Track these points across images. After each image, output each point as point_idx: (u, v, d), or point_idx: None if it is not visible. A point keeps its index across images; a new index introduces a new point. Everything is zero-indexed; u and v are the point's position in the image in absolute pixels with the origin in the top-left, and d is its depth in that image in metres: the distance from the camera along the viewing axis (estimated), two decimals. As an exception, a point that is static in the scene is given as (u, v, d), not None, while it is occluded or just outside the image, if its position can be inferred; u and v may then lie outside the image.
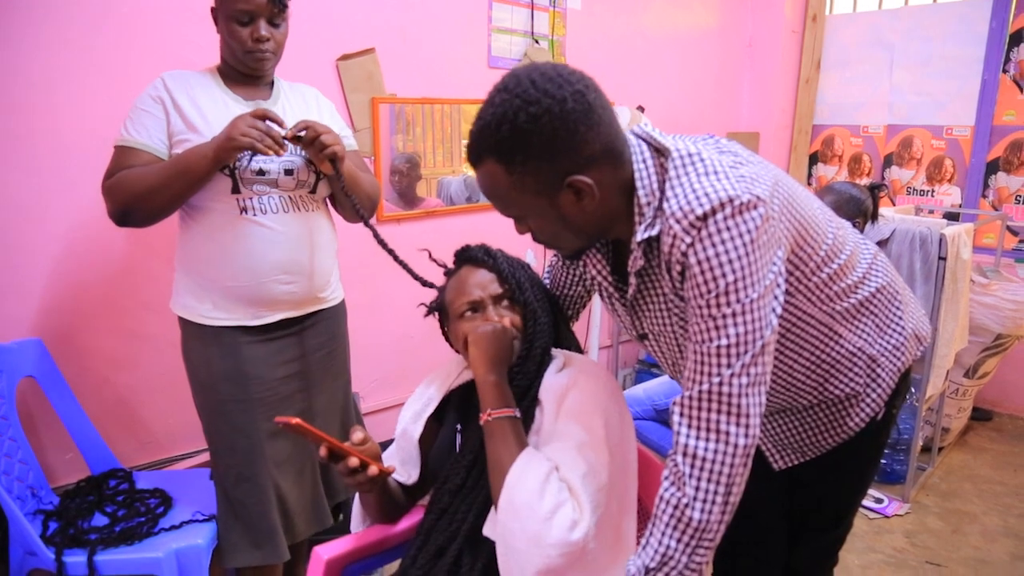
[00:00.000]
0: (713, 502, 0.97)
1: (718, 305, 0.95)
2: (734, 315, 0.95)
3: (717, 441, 0.96)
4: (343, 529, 1.44)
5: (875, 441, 1.33)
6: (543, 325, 1.22)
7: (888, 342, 1.24)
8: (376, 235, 1.62)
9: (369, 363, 2.62)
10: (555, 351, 1.26)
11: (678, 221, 0.95)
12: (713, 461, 0.96)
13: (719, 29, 3.79)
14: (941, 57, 3.49)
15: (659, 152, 1.03)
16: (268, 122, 1.49)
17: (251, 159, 1.54)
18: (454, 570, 1.14)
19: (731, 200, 0.93)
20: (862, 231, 2.36)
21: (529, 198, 1.00)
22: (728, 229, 0.93)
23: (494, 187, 1.01)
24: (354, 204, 1.63)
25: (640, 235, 1.02)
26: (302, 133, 1.52)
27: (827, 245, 1.12)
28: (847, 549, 2.24)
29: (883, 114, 3.74)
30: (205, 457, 1.81)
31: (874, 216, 2.39)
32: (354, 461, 1.11)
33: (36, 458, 1.86)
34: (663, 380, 2.67)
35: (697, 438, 0.97)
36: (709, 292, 0.95)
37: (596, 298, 2.18)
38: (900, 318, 1.25)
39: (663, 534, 0.99)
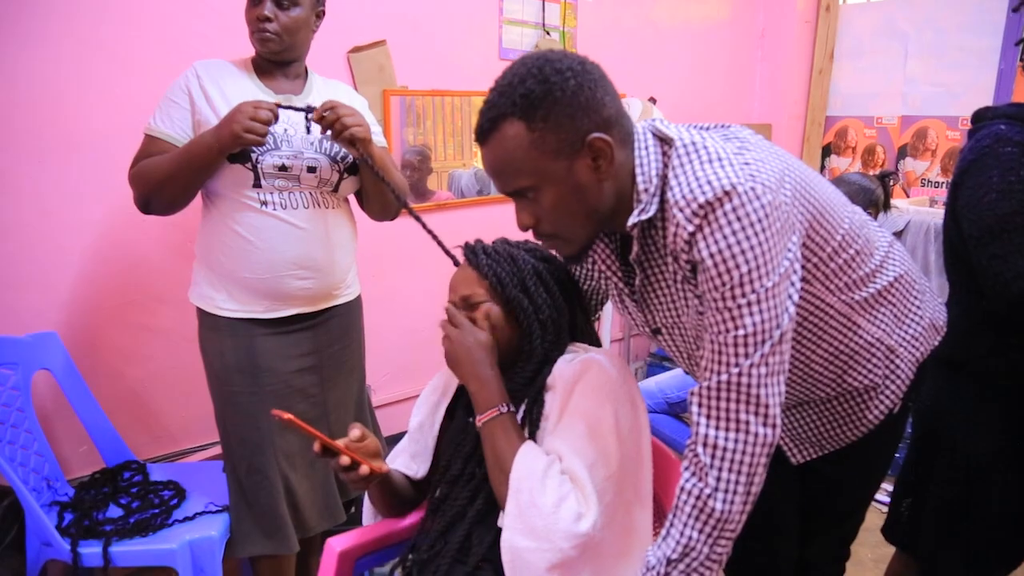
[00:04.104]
0: (735, 492, 0.96)
1: (733, 296, 0.94)
2: (750, 304, 0.94)
3: (737, 431, 0.96)
4: (356, 522, 1.44)
5: (891, 434, 1.32)
6: (537, 320, 1.19)
7: (906, 332, 1.22)
8: (418, 219, 1.59)
9: (381, 356, 2.62)
10: (573, 345, 1.25)
11: (681, 209, 0.94)
12: (734, 451, 0.96)
13: (731, 19, 3.75)
14: (956, 47, 3.44)
15: (663, 141, 1.03)
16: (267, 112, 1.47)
17: (270, 155, 1.55)
18: (465, 547, 1.15)
19: (735, 187, 0.91)
20: (875, 221, 2.34)
21: (548, 161, 0.97)
22: (739, 219, 0.92)
23: (511, 151, 0.97)
24: (388, 185, 1.60)
25: (633, 218, 1.01)
26: (326, 113, 1.50)
27: (843, 230, 1.10)
28: (860, 543, 2.22)
29: (897, 105, 3.69)
30: (218, 450, 1.82)
31: (886, 206, 2.37)
32: (345, 460, 1.10)
33: (51, 450, 1.88)
34: (675, 373, 2.67)
35: (717, 428, 0.97)
36: (724, 284, 0.94)
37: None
38: (918, 307, 1.24)
39: (685, 525, 0.98)
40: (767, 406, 0.96)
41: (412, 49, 2.56)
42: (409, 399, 2.76)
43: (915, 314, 1.24)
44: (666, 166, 1.00)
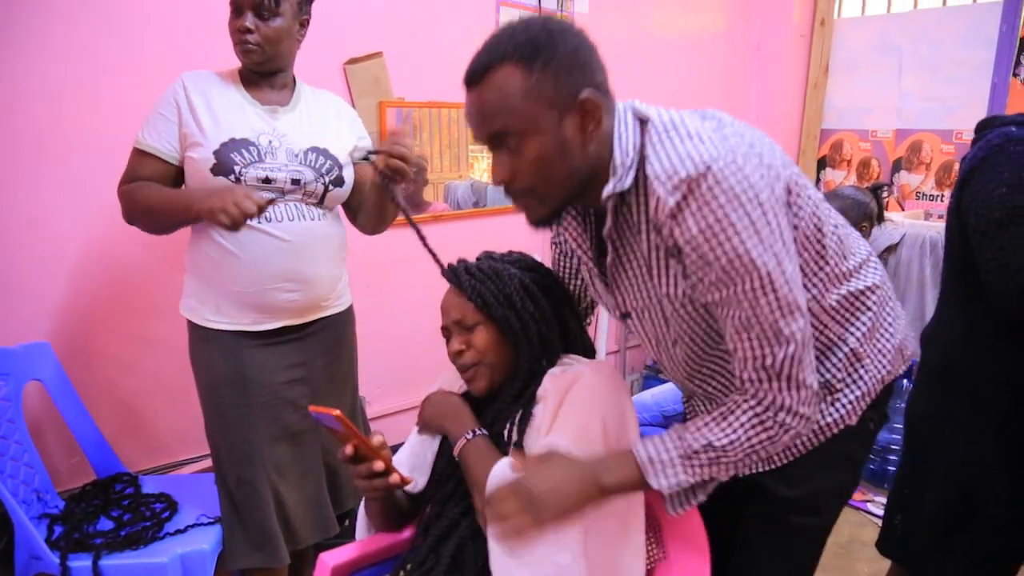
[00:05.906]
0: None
1: (744, 282, 0.94)
2: (763, 285, 0.95)
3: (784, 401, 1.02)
4: (350, 536, 1.43)
5: (847, 464, 1.24)
6: (524, 336, 1.19)
7: (874, 345, 1.18)
8: (418, 230, 1.58)
9: (375, 368, 2.61)
10: (566, 356, 1.24)
11: (662, 183, 0.94)
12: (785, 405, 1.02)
13: (727, 33, 3.77)
14: (950, 61, 3.46)
15: (641, 121, 1.02)
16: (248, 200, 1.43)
17: (253, 167, 1.55)
18: (458, 562, 1.14)
19: (716, 161, 0.92)
20: (869, 234, 2.35)
21: (540, 109, 0.96)
22: (724, 192, 0.91)
23: (505, 92, 0.96)
24: (401, 207, 1.58)
25: (608, 189, 1.01)
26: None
27: (822, 208, 1.09)
28: (855, 556, 2.22)
29: (892, 119, 3.71)
30: (210, 462, 1.81)
31: (880, 218, 2.38)
32: (379, 465, 1.10)
33: (42, 462, 1.86)
34: (671, 386, 2.66)
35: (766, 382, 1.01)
36: (716, 258, 0.94)
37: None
38: (891, 324, 1.20)
39: (750, 428, 1.03)
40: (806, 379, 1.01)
41: (409, 61, 2.56)
42: (404, 411, 2.74)
43: (887, 330, 1.20)
44: (644, 144, 1.00)
